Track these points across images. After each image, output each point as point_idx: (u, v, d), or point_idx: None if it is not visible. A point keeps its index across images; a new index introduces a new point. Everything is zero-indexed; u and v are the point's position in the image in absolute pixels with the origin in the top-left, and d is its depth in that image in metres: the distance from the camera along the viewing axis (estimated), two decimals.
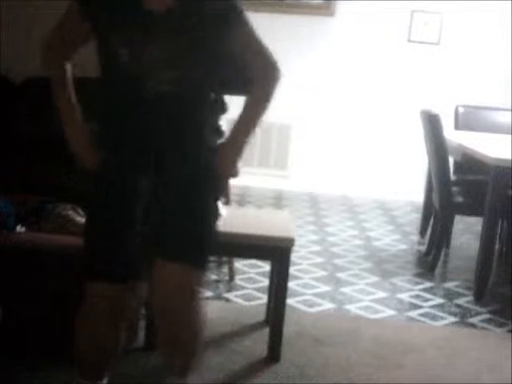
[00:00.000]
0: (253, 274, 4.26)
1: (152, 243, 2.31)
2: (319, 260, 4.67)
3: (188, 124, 2.25)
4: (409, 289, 4.27)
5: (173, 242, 2.28)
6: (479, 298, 4.13)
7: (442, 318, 3.84)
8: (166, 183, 2.26)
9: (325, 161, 6.75)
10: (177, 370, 2.43)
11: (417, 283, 4.38)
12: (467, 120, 5.46)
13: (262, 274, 4.20)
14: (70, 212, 3.04)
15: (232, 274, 4.11)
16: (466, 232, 5.57)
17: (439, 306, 4.01)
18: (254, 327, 3.46)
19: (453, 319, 3.84)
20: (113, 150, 2.28)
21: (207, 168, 2.29)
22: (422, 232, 5.34)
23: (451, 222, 4.96)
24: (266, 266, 4.17)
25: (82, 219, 3.03)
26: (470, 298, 4.15)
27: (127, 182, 2.26)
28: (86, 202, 2.41)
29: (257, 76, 2.29)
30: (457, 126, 5.45)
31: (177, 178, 2.26)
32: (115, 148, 2.28)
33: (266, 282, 3.91)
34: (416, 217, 5.79)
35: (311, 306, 3.86)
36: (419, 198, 5.63)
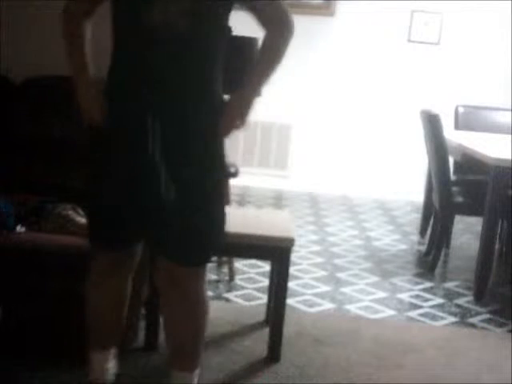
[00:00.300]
0: (253, 274, 4.26)
1: (158, 234, 2.30)
2: (319, 260, 4.67)
3: (196, 65, 2.21)
4: (409, 289, 4.27)
5: (179, 244, 2.28)
6: (479, 298, 4.13)
7: (442, 318, 3.84)
8: (171, 135, 2.21)
9: (325, 161, 6.75)
10: (180, 365, 2.47)
11: (417, 283, 4.38)
12: (467, 120, 5.46)
13: (262, 274, 4.20)
14: (70, 212, 3.04)
15: (232, 274, 4.11)
16: (466, 232, 5.57)
17: (439, 306, 4.01)
18: (254, 327, 3.46)
19: (453, 319, 3.84)
20: (120, 99, 2.24)
21: (213, 118, 2.25)
22: (422, 232, 5.34)
23: (451, 222, 4.96)
24: (266, 266, 4.17)
25: (82, 219, 3.04)
26: (470, 298, 4.15)
27: (135, 131, 2.20)
28: (92, 161, 2.36)
29: (271, 25, 2.26)
30: (457, 126, 5.45)
31: (182, 128, 2.21)
32: (123, 95, 2.24)
33: (265, 282, 3.91)
34: (416, 217, 5.79)
35: (311, 306, 3.86)
36: (419, 198, 5.63)
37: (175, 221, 2.24)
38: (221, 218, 2.35)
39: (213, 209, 2.32)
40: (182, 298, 2.38)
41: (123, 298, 2.52)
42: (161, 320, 2.85)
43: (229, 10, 2.24)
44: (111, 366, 2.56)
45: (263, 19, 2.27)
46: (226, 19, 2.25)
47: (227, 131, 2.31)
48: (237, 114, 2.30)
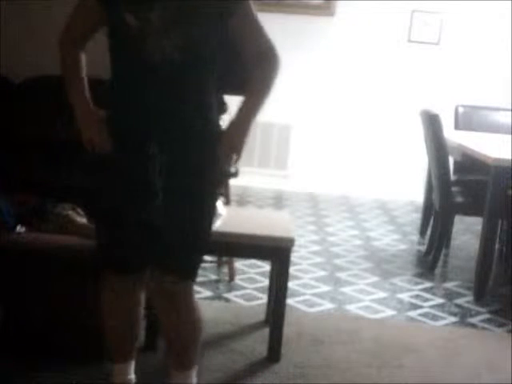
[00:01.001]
0: (253, 274, 4.26)
1: (152, 249, 2.36)
2: (319, 260, 4.67)
3: (193, 94, 2.30)
4: (409, 289, 4.27)
5: (171, 255, 2.35)
6: (479, 298, 4.13)
7: (442, 318, 3.84)
8: (171, 162, 2.29)
9: (325, 161, 6.75)
10: (178, 366, 2.53)
11: (417, 283, 4.38)
12: (467, 120, 5.46)
13: (262, 274, 4.20)
14: (70, 212, 3.04)
15: (232, 274, 4.11)
16: (466, 232, 5.57)
17: (439, 306, 4.01)
18: (254, 327, 3.46)
19: (453, 319, 3.84)
20: (122, 128, 2.33)
21: (211, 144, 2.33)
22: (422, 232, 5.34)
23: (451, 222, 4.96)
24: (266, 266, 4.17)
25: (82, 219, 3.04)
26: (470, 298, 4.15)
27: (137, 162, 2.30)
28: (97, 189, 2.43)
29: (260, 61, 2.34)
30: (457, 126, 5.45)
31: (182, 155, 2.30)
32: (124, 125, 2.32)
33: (266, 282, 3.91)
34: (416, 217, 5.79)
35: (311, 306, 3.86)
36: (419, 198, 5.63)
37: (166, 236, 2.33)
38: (207, 234, 2.42)
39: (201, 227, 2.39)
40: (172, 308, 2.44)
41: (139, 312, 2.57)
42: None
43: (219, 41, 2.31)
44: (133, 377, 2.61)
45: (251, 54, 2.35)
46: (216, 47, 2.32)
47: (226, 161, 2.40)
48: (234, 145, 2.38)
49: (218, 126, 2.41)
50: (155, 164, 2.28)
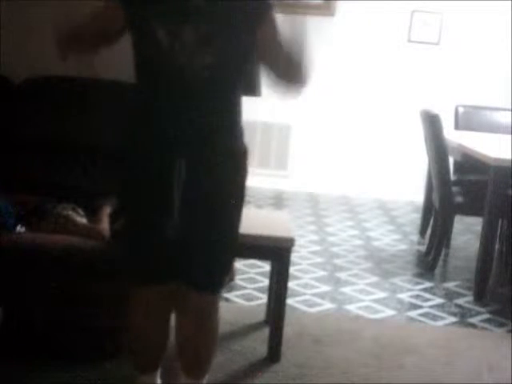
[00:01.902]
0: (253, 274, 4.26)
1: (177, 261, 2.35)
2: (319, 260, 4.67)
3: (220, 109, 2.27)
4: (409, 289, 4.27)
5: (196, 268, 2.34)
6: (479, 298, 4.13)
7: (442, 318, 3.84)
8: (195, 177, 2.26)
9: (325, 161, 6.75)
10: (189, 373, 2.52)
11: (417, 283, 4.38)
12: (467, 120, 5.45)
13: (262, 274, 4.20)
14: (70, 212, 3.04)
15: (232, 274, 4.11)
16: (466, 232, 5.57)
17: (439, 306, 4.01)
18: (254, 327, 3.46)
19: (453, 319, 3.84)
20: (145, 141, 2.29)
21: (236, 159, 2.31)
22: (422, 232, 5.34)
23: (451, 222, 4.96)
24: (266, 266, 4.16)
25: (81, 219, 3.04)
26: (470, 298, 4.15)
27: (159, 176, 2.26)
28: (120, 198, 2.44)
29: (287, 79, 2.37)
30: (457, 126, 5.45)
31: (206, 171, 2.27)
32: (147, 137, 2.28)
33: (266, 282, 3.91)
34: (416, 217, 5.78)
35: (311, 306, 3.86)
36: (419, 197, 5.63)
37: (191, 249, 2.32)
38: (234, 246, 2.41)
39: (228, 239, 2.38)
40: (196, 314, 2.43)
41: (167, 323, 2.52)
42: None
43: (247, 54, 2.29)
44: (160, 383, 2.59)
45: (278, 73, 2.35)
46: (244, 61, 2.31)
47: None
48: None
49: (243, 142, 2.35)
50: (178, 178, 2.25)
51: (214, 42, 2.17)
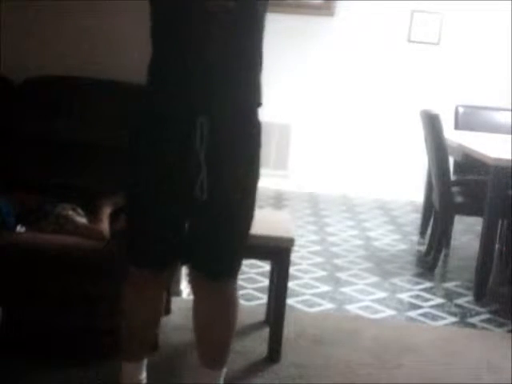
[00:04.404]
0: (253, 274, 4.26)
1: (191, 250, 2.34)
2: (319, 260, 4.67)
3: (245, 49, 2.21)
4: (409, 289, 4.27)
5: (211, 252, 2.33)
6: (479, 298, 4.13)
7: (442, 318, 3.84)
8: (214, 145, 2.21)
9: (325, 161, 6.75)
10: (209, 363, 2.51)
11: (417, 283, 4.38)
12: (467, 120, 5.46)
13: (262, 274, 4.20)
14: (70, 212, 3.04)
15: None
16: (466, 232, 5.57)
17: (439, 306, 4.01)
18: (254, 327, 3.46)
19: (453, 319, 3.84)
20: (165, 99, 2.22)
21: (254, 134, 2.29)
22: (422, 232, 5.34)
23: (451, 222, 4.96)
24: (266, 266, 4.17)
25: (81, 219, 3.04)
26: (470, 298, 4.15)
27: (181, 136, 2.21)
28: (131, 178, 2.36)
29: None
30: (457, 126, 5.45)
31: (226, 146, 2.23)
32: (168, 95, 2.21)
33: (266, 282, 3.91)
34: (416, 217, 5.79)
35: (311, 306, 3.86)
36: (419, 197, 5.63)
37: (205, 234, 2.30)
38: (248, 229, 2.43)
39: (243, 222, 2.42)
40: (214, 302, 2.43)
41: (159, 311, 2.55)
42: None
43: None
44: (144, 376, 2.56)
45: None
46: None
47: None
48: None
49: (258, 119, 2.30)
50: (201, 142, 2.19)
51: None
